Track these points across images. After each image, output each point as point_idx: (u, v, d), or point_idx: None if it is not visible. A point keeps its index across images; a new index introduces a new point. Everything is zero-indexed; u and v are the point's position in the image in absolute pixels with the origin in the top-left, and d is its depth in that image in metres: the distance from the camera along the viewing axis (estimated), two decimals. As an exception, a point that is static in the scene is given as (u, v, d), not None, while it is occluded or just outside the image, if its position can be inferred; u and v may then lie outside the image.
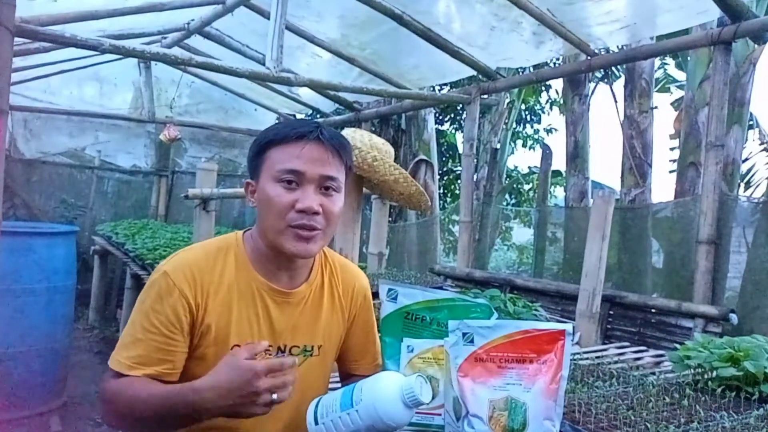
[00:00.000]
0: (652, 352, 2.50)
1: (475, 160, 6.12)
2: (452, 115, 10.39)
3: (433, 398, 1.19)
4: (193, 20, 4.35)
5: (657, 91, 7.07)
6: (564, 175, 7.27)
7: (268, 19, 3.32)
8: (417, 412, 1.22)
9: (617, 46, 4.07)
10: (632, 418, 1.34)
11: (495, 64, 4.27)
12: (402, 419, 1.13)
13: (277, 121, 7.17)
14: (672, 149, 8.05)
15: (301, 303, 1.32)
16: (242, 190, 1.73)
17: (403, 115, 6.75)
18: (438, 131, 8.99)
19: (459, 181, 6.32)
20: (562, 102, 9.07)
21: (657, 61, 7.02)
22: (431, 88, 5.43)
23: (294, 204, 1.20)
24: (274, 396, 1.05)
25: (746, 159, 7.48)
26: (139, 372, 1.17)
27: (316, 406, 1.16)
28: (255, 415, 1.07)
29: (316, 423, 1.14)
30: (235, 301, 1.26)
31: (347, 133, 2.54)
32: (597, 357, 2.12)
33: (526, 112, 10.93)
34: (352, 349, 1.44)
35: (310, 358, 1.33)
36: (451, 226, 6.88)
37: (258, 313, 1.27)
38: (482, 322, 1.22)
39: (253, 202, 1.29)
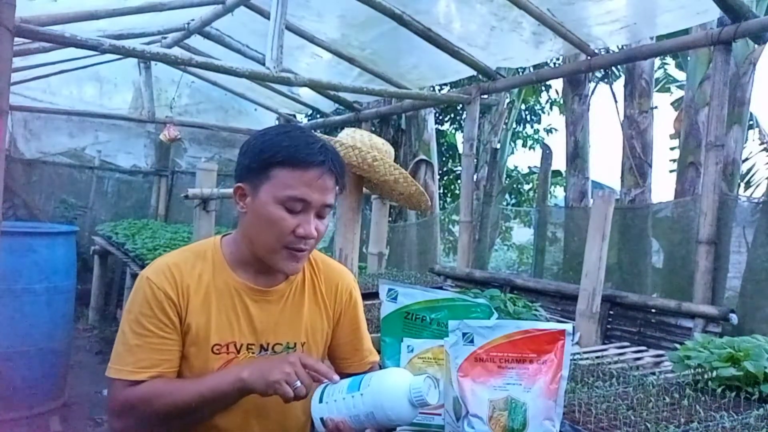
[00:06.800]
0: (652, 352, 2.49)
1: (475, 160, 6.12)
2: (452, 115, 10.38)
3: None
4: (193, 20, 4.34)
5: (657, 91, 7.08)
6: (564, 175, 7.27)
7: (268, 19, 3.32)
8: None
9: (617, 46, 4.07)
10: (632, 418, 1.34)
11: (495, 64, 4.26)
12: (404, 416, 1.14)
13: (277, 124, 7.15)
14: (672, 149, 8.06)
15: (281, 301, 1.34)
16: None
17: (403, 115, 6.74)
18: (438, 131, 8.98)
19: (459, 181, 6.31)
20: (562, 102, 9.06)
21: (657, 61, 7.03)
22: (431, 88, 5.42)
23: (295, 229, 1.22)
24: (297, 383, 1.12)
25: (746, 159, 7.49)
26: (145, 375, 1.20)
27: (324, 387, 1.18)
28: (277, 385, 1.12)
29: (320, 401, 1.16)
30: (213, 300, 1.27)
31: (347, 133, 2.53)
32: (597, 357, 2.12)
33: (526, 112, 10.93)
34: (342, 347, 1.45)
35: None
36: (451, 226, 6.88)
37: (237, 312, 1.29)
38: (482, 322, 1.22)
39: (243, 208, 1.27)
